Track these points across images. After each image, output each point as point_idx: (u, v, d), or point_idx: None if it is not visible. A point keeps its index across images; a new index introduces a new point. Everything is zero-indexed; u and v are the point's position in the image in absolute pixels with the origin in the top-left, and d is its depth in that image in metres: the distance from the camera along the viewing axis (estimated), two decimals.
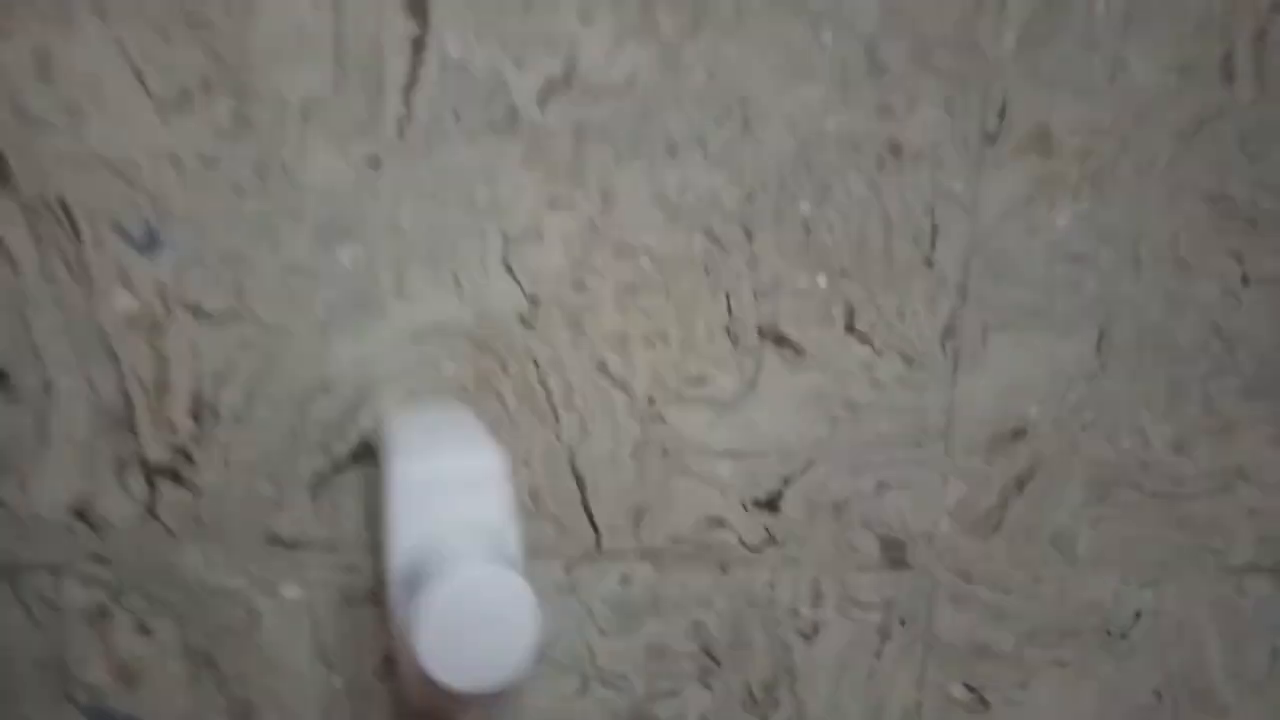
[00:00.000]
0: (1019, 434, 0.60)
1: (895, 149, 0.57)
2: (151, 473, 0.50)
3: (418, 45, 0.50)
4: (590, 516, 0.55)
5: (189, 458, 0.50)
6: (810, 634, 0.58)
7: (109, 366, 0.49)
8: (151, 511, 0.50)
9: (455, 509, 0.40)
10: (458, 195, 0.52)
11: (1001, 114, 0.56)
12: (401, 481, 0.39)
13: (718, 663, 0.57)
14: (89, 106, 0.47)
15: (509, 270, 0.53)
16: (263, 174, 0.50)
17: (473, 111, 0.52)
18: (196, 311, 0.50)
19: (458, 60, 0.50)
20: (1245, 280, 0.62)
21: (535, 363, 0.54)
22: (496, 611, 0.37)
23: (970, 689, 0.60)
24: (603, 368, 0.54)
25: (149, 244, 0.49)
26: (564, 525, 0.54)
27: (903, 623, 0.59)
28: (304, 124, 0.50)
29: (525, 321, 0.54)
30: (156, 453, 0.50)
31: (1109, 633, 0.62)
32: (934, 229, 0.58)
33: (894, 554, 0.59)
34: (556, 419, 0.54)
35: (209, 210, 0.49)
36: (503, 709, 0.41)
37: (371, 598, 0.53)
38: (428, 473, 0.40)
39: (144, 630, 0.51)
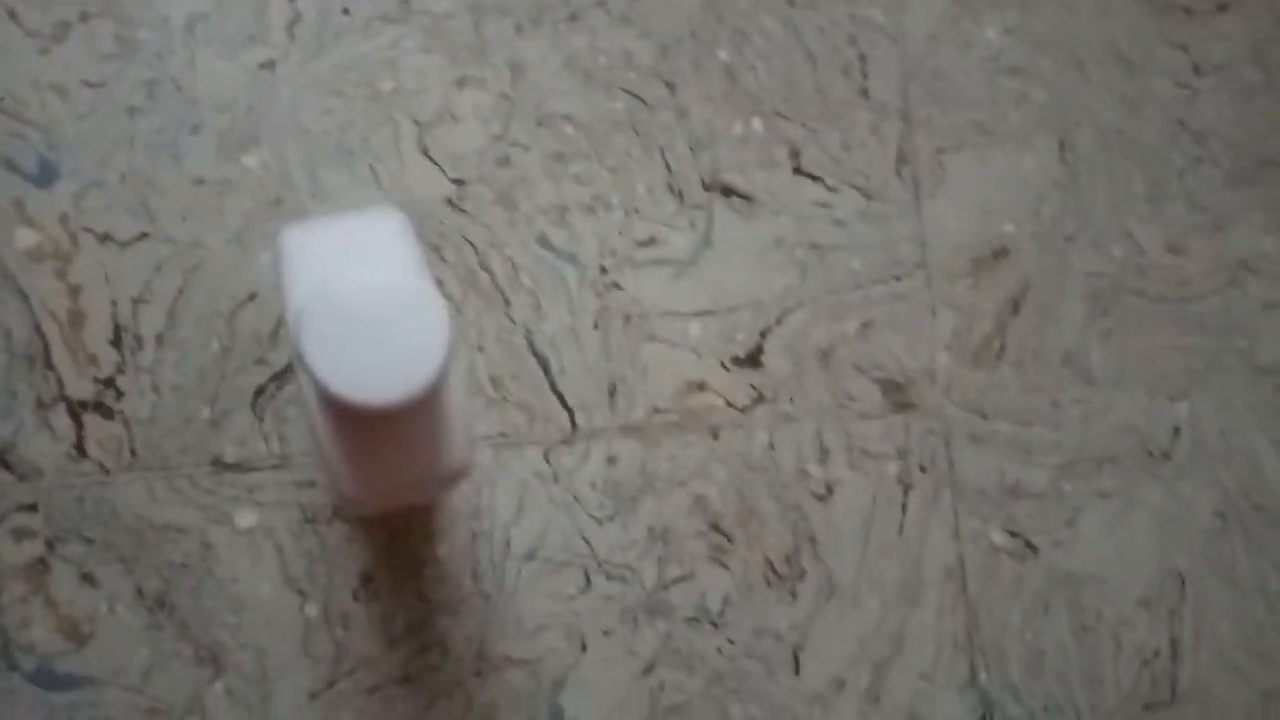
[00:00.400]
0: (1000, 254, 0.56)
1: None
2: (76, 409, 0.46)
3: None
4: (561, 398, 0.51)
5: (115, 389, 0.47)
6: (824, 494, 0.53)
7: (18, 305, 0.46)
8: (81, 450, 0.46)
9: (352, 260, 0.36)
10: (361, 89, 0.51)
11: None
12: (292, 252, 0.36)
13: (729, 538, 0.52)
14: None
15: (427, 155, 0.51)
16: (154, 93, 0.48)
17: (362, 4, 0.51)
18: (103, 238, 0.47)
19: None
20: (1197, 70, 0.60)
21: (472, 245, 0.51)
22: (396, 314, 0.32)
23: (1012, 534, 0.54)
24: (545, 241, 0.52)
25: (45, 176, 0.47)
26: (533, 410, 0.50)
27: (923, 470, 0.54)
28: (190, 39, 0.49)
29: (454, 205, 0.51)
30: (79, 388, 0.46)
31: (1150, 454, 0.57)
32: (862, 59, 0.56)
33: (896, 397, 0.54)
34: (506, 301, 0.51)
35: (103, 135, 0.48)
36: (435, 463, 0.36)
37: (336, 513, 0.48)
38: (320, 235, 0.36)
39: (89, 581, 0.46)
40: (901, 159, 0.56)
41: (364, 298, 0.32)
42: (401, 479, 0.36)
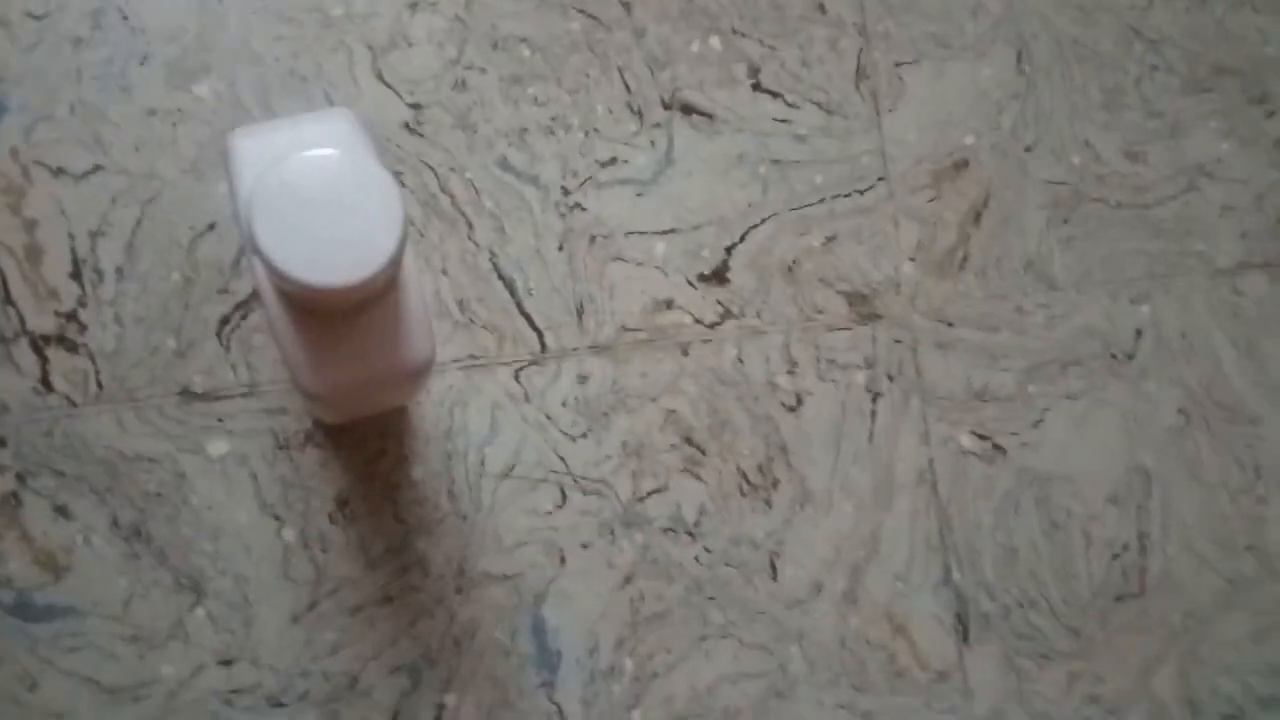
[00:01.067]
0: (961, 165, 0.57)
1: None
2: (39, 343, 0.46)
3: None
4: (529, 319, 0.51)
5: (78, 322, 0.46)
6: (794, 405, 0.53)
7: None
8: (47, 384, 0.46)
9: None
10: (312, 15, 0.50)
11: None
12: (240, 155, 0.36)
13: (702, 451, 0.52)
14: None
15: (382, 80, 0.51)
16: (100, 23, 0.48)
17: None
18: (57, 171, 0.47)
19: None
20: None
21: (432, 170, 0.51)
22: (349, 193, 0.32)
23: (980, 436, 0.55)
24: (505, 164, 0.52)
25: None
26: (502, 332, 0.51)
27: (891, 378, 0.54)
28: None
29: (412, 129, 0.51)
30: (41, 322, 0.46)
31: (1114, 356, 0.57)
32: None
33: (862, 308, 0.55)
34: (469, 224, 0.51)
35: (50, 68, 0.47)
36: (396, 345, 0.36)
37: (309, 439, 0.48)
38: (270, 136, 0.36)
39: (63, 513, 0.46)
40: (860, 73, 0.56)
41: (315, 179, 0.32)
42: (364, 372, 0.35)
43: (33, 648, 0.46)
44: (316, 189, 0.31)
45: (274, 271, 0.31)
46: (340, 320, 0.34)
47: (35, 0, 0.48)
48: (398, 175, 0.51)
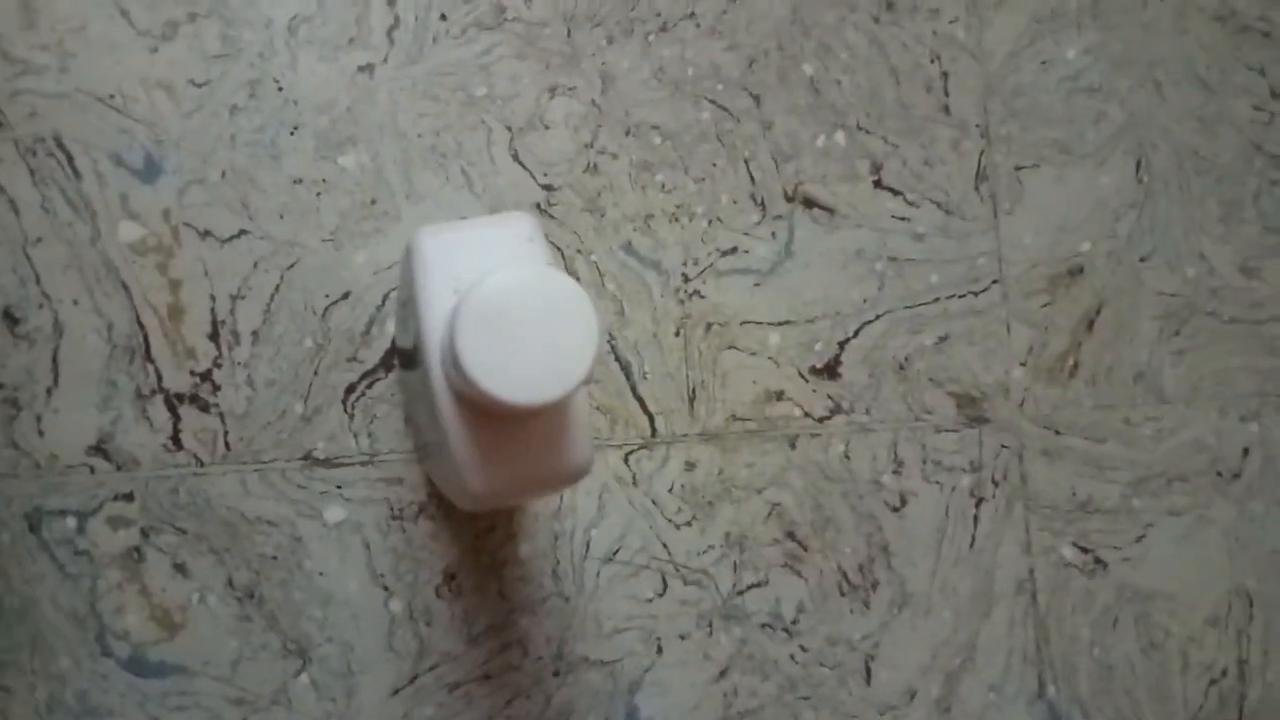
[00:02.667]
0: (1076, 272, 0.57)
1: (889, 3, 0.56)
2: (173, 401, 0.47)
3: None
4: (642, 402, 0.51)
5: (212, 382, 0.47)
6: (898, 505, 0.53)
7: (120, 297, 0.47)
8: (177, 441, 0.47)
9: (487, 262, 0.37)
10: (456, 94, 0.51)
11: None
12: (425, 254, 0.36)
13: (804, 546, 0.52)
14: (76, 47, 0.47)
15: (518, 161, 0.52)
16: (256, 92, 0.49)
17: (459, 11, 0.51)
18: (204, 234, 0.48)
19: None
20: (1274, 93, 0.60)
21: (560, 250, 0.52)
22: (549, 313, 0.33)
23: (1082, 549, 0.55)
24: (629, 248, 0.52)
25: (150, 172, 0.48)
26: (615, 414, 0.51)
27: (996, 483, 0.54)
28: (292, 40, 0.50)
29: (544, 210, 0.52)
30: (177, 381, 0.47)
31: (1220, 474, 0.57)
32: (944, 76, 0.56)
33: (970, 411, 0.55)
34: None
35: (207, 133, 0.48)
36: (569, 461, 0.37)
37: (422, 510, 0.49)
38: (454, 238, 0.37)
39: (182, 571, 0.47)
40: (981, 175, 0.57)
41: (518, 298, 0.32)
42: (530, 475, 0.36)
43: (142, 703, 0.46)
44: (519, 308, 0.32)
45: (476, 389, 0.32)
46: (514, 423, 0.35)
47: (199, 68, 0.49)
48: None
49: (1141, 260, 0.58)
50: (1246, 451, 0.57)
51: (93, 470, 0.47)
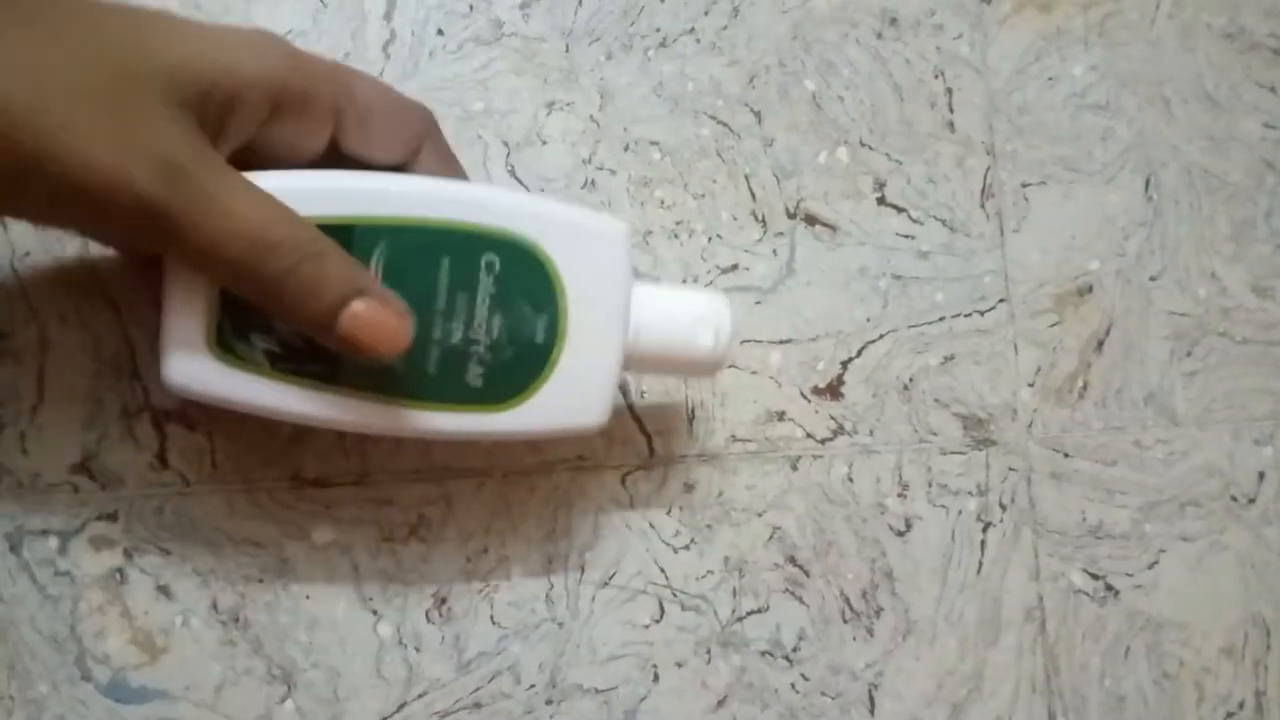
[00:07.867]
0: (1084, 291, 0.56)
1: (892, 20, 0.55)
2: (160, 419, 0.46)
3: None
4: (639, 423, 0.50)
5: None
6: (903, 530, 0.52)
7: (109, 314, 0.46)
8: (163, 460, 0.46)
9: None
10: (452, 109, 0.51)
11: None
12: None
13: (806, 572, 0.51)
14: None
15: (515, 176, 0.51)
16: None
17: (455, 26, 0.51)
18: None
19: None
20: None
21: None
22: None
23: (1093, 575, 0.53)
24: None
25: None
26: (612, 434, 0.50)
27: (1003, 507, 0.53)
28: None
29: None
30: (164, 398, 0.46)
31: (1234, 498, 0.55)
32: (948, 92, 0.55)
33: (977, 432, 0.53)
34: None
35: None
36: None
37: (413, 532, 0.47)
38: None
39: (165, 593, 0.46)
40: (986, 193, 0.56)
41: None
42: None
43: None
44: None
45: None
46: None
47: None
48: None
49: (1151, 279, 0.57)
50: (1261, 476, 0.56)
51: (76, 489, 0.46)
